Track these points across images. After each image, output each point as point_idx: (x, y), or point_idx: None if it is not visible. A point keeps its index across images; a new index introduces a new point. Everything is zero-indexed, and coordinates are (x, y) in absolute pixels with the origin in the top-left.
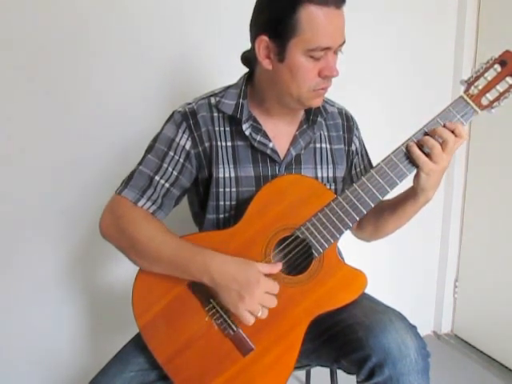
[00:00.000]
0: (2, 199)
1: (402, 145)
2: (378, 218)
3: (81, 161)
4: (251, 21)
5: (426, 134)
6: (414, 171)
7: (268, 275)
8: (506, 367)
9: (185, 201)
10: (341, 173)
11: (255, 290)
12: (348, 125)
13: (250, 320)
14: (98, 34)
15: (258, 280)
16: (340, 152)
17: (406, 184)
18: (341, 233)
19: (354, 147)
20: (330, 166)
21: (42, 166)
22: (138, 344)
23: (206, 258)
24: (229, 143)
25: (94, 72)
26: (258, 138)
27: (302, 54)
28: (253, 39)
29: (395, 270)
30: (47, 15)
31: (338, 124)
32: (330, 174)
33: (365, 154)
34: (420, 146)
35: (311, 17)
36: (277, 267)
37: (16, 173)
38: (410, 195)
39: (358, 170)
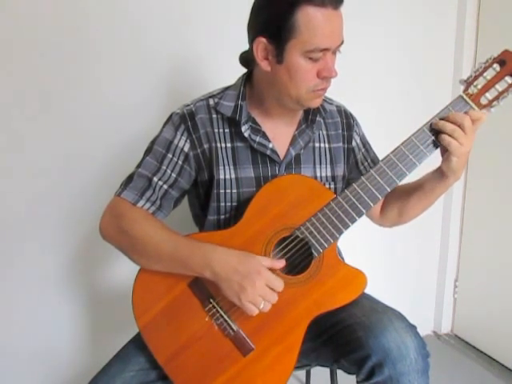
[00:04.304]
0: (2, 199)
1: (402, 144)
2: (404, 203)
3: (80, 161)
4: (249, 22)
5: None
6: (413, 170)
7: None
8: (506, 367)
9: (185, 202)
10: (340, 171)
11: (256, 280)
12: (347, 122)
13: (254, 311)
14: (98, 35)
15: (259, 271)
16: (338, 150)
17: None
18: (340, 233)
19: (354, 143)
20: (329, 165)
21: (42, 166)
22: (138, 343)
23: (206, 251)
24: (228, 144)
25: (93, 72)
26: (258, 139)
27: (301, 56)
28: (251, 41)
29: (395, 269)
30: (48, 15)
31: (337, 122)
32: (329, 173)
33: (369, 148)
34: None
35: (309, 18)
36: (279, 263)
37: (16, 173)
38: (438, 178)
39: (366, 163)
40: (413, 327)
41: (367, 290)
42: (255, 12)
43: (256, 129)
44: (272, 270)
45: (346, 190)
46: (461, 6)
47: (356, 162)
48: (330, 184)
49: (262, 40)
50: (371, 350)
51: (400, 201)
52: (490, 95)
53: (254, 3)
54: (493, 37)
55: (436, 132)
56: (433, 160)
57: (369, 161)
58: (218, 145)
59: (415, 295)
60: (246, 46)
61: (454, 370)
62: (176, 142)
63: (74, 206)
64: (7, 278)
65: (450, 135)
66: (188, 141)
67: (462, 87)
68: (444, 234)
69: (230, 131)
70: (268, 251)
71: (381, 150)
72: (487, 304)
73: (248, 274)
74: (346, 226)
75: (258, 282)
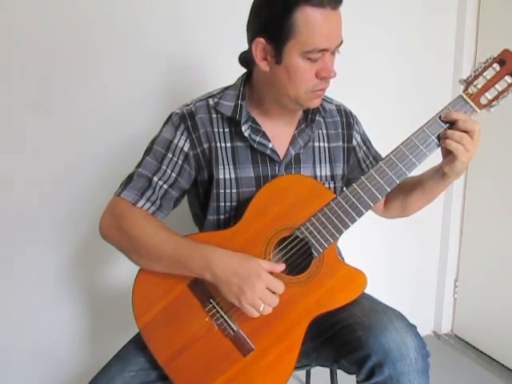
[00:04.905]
0: (3, 200)
1: (402, 144)
2: (406, 197)
3: (80, 161)
4: (248, 23)
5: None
6: (413, 170)
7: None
8: (506, 367)
9: (185, 201)
10: (339, 171)
11: (256, 283)
12: (347, 121)
13: (254, 314)
14: (98, 35)
15: (259, 274)
16: (338, 150)
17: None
18: (340, 233)
19: (354, 142)
20: (328, 164)
21: (42, 166)
22: (138, 344)
23: (206, 253)
24: (228, 144)
25: (93, 72)
26: (258, 138)
27: (299, 56)
28: (250, 41)
29: (395, 269)
30: (48, 15)
31: (336, 122)
32: (328, 173)
33: (370, 146)
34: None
35: (307, 19)
36: (280, 267)
37: (16, 173)
38: (439, 177)
39: (368, 161)
40: (413, 327)
41: (367, 290)
42: (254, 12)
43: (256, 128)
44: (272, 272)
45: (345, 190)
46: (461, 6)
47: (358, 160)
48: (329, 183)
49: (261, 40)
50: (371, 349)
51: (402, 196)
52: (489, 95)
53: (253, 3)
54: (493, 37)
55: (440, 136)
56: (433, 158)
57: (370, 158)
58: (218, 144)
59: (415, 295)
60: (246, 46)
61: (454, 370)
62: (176, 141)
63: (74, 205)
64: (7, 277)
65: (457, 142)
66: (188, 140)
67: (462, 87)
68: (444, 233)
69: (229, 131)
70: (268, 251)
71: (381, 150)
72: (487, 304)
73: (248, 276)
74: (346, 226)
75: (257, 285)
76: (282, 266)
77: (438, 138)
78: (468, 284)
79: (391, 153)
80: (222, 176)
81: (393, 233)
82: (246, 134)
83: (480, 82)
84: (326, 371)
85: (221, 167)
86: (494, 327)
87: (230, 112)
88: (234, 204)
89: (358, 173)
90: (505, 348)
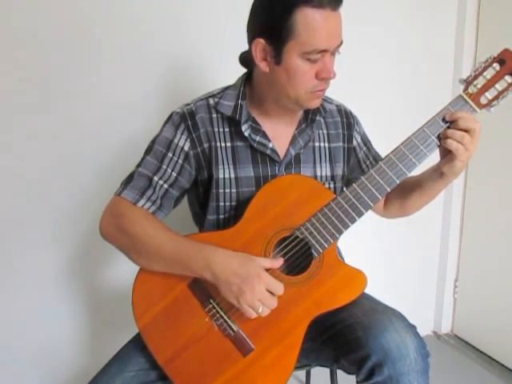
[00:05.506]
0: (2, 200)
1: (402, 144)
2: (405, 197)
3: (80, 161)
4: (248, 23)
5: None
6: (413, 170)
7: (270, 273)
8: (506, 367)
9: (185, 201)
10: (339, 171)
11: (256, 284)
12: (347, 122)
13: (252, 315)
14: (98, 34)
15: (259, 275)
16: (338, 150)
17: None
18: (340, 233)
19: (355, 143)
20: (329, 164)
21: (42, 166)
22: (138, 344)
23: (207, 253)
24: (228, 144)
25: (93, 72)
26: (258, 138)
27: (299, 57)
28: (249, 42)
29: (395, 269)
30: (48, 15)
31: (337, 122)
32: (329, 173)
33: (370, 147)
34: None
35: (307, 20)
36: (278, 262)
37: (16, 173)
38: (438, 177)
39: (368, 162)
40: (413, 327)
41: (367, 290)
42: (254, 13)
43: (256, 128)
44: (272, 270)
45: (345, 190)
46: (461, 6)
47: (358, 160)
48: (329, 183)
49: (261, 41)
50: (371, 349)
51: (401, 197)
52: (489, 95)
53: (253, 4)
54: (493, 37)
55: (440, 136)
56: (434, 158)
57: (371, 159)
58: (218, 144)
59: (415, 295)
60: (246, 46)
61: (454, 369)
62: (176, 141)
63: (74, 205)
64: (7, 277)
65: (458, 142)
66: (188, 140)
67: (462, 87)
68: (444, 234)
69: (229, 130)
70: (268, 251)
71: (381, 150)
72: (487, 304)
73: (248, 276)
74: (346, 226)
75: (257, 286)
76: (280, 261)
77: (438, 137)
78: (468, 284)
79: (391, 153)
80: (221, 176)
81: (393, 233)
82: (246, 134)
83: (480, 82)
84: (326, 371)
85: (221, 167)
86: (494, 327)
87: (230, 112)
88: (233, 204)
89: (359, 173)
90: (505, 348)
